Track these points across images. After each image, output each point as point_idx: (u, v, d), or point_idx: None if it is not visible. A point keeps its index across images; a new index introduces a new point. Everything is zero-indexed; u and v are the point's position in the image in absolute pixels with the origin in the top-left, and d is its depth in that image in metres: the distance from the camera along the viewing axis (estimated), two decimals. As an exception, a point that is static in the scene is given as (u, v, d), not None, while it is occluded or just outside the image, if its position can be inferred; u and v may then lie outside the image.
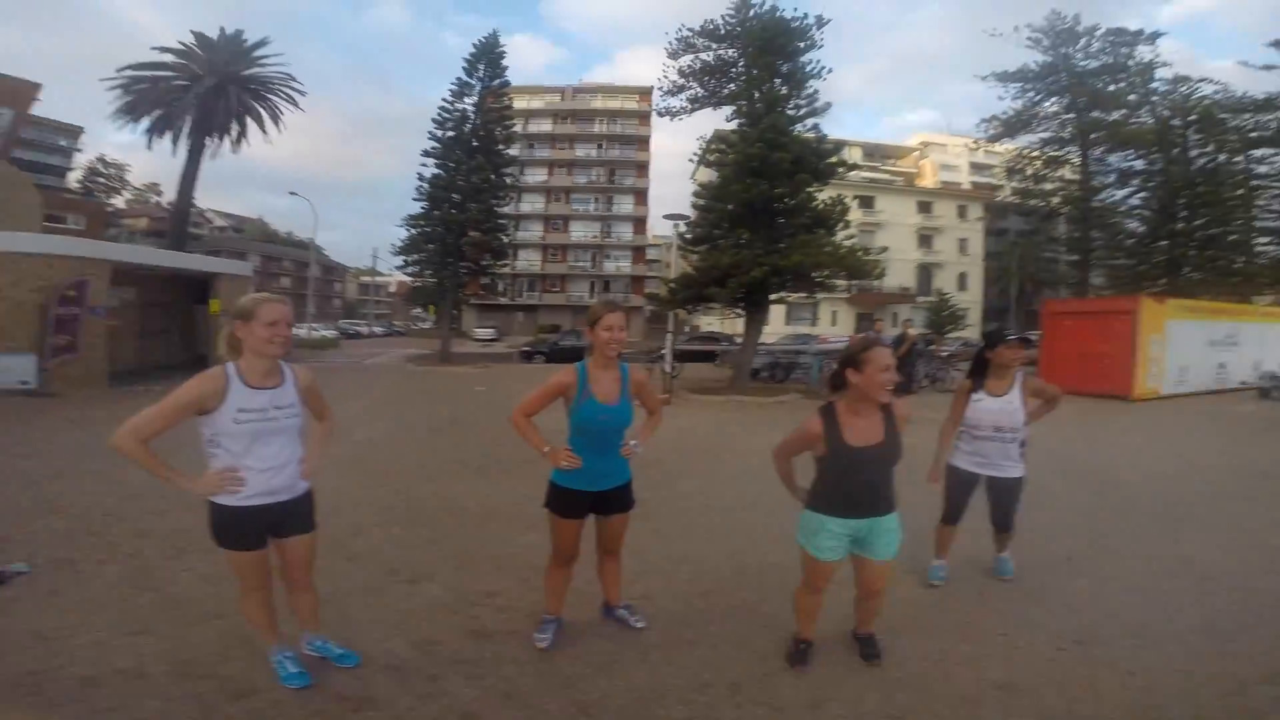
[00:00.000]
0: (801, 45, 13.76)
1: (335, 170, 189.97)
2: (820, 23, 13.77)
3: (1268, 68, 12.98)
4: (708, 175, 16.55)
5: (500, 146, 22.53)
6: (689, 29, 14.77)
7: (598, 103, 52.12)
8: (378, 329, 54.46)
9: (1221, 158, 25.68)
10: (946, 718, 2.26)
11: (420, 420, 9.07)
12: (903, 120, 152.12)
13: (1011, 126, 31.08)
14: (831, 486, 2.42)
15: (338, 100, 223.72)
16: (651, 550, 3.78)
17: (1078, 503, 5.09)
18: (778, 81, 13.89)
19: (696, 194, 15.13)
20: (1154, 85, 27.93)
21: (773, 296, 13.60)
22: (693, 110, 15.63)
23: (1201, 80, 26.70)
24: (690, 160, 17.22)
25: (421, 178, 21.62)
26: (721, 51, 14.77)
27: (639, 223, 51.12)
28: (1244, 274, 24.32)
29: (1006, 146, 32.96)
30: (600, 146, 51.09)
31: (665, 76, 15.42)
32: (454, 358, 21.25)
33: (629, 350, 3.47)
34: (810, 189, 13.42)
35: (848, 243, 13.75)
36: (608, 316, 2.48)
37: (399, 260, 22.54)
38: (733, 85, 14.65)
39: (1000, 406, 3.16)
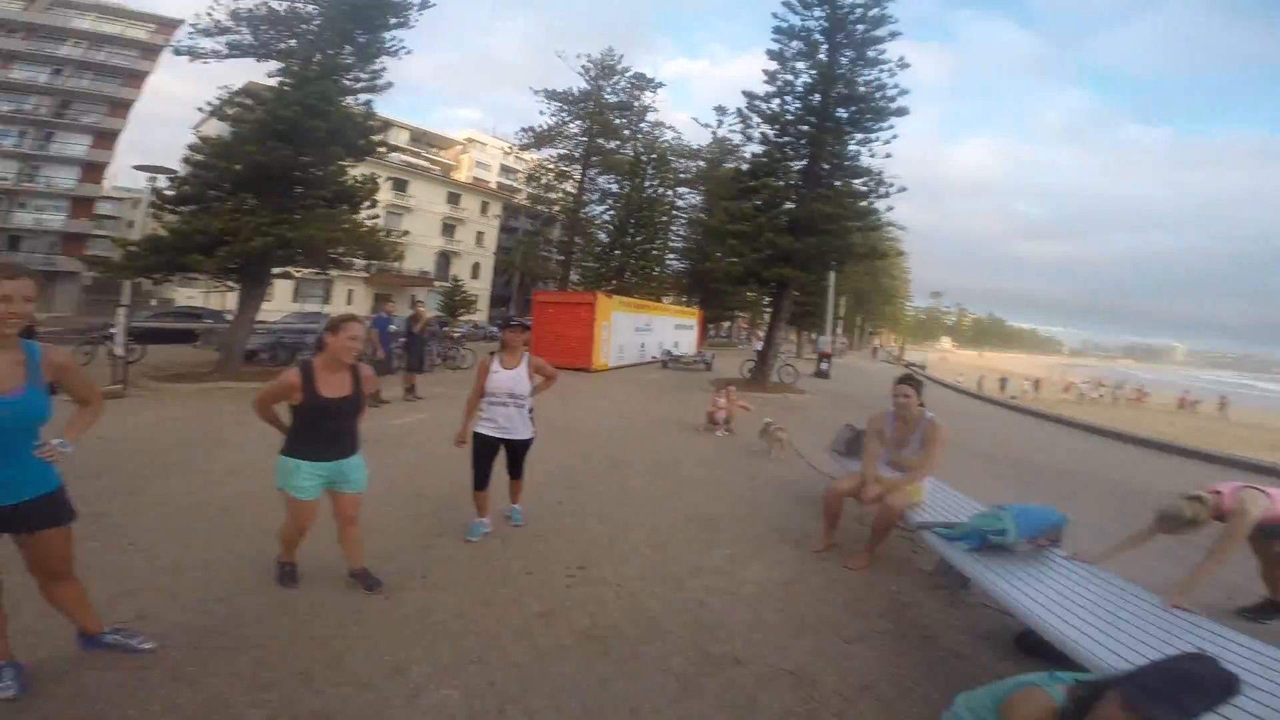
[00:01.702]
0: (393, 21, 12.83)
1: None
2: (425, 4, 13.05)
3: (705, 125, 19.43)
4: (222, 130, 13.53)
5: None
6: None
7: (85, 23, 36.33)
8: None
9: (661, 191, 36.47)
10: (510, 650, 2.75)
11: None
12: (455, 114, 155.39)
13: (541, 139, 36.75)
14: (305, 432, 2.88)
15: None
16: (132, 566, 3.25)
17: (558, 455, 6.55)
18: (348, 49, 12.64)
19: (194, 148, 12.16)
20: (642, 125, 37.38)
21: (276, 270, 12.21)
22: (226, 57, 12.57)
23: (669, 127, 37.43)
24: (200, 110, 13.70)
25: None
26: (300, 5, 12.44)
27: (92, 169, 37.12)
28: (658, 280, 35.45)
29: (533, 156, 38.56)
30: (59, 71, 35.72)
31: (210, 14, 12.12)
32: None
33: (56, 328, 2.80)
34: (342, 163, 12.66)
35: (370, 222, 13.47)
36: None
37: None
38: (294, 41, 12.44)
39: (512, 377, 3.93)
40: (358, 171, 13.35)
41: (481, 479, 4.02)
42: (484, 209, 48.48)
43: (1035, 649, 2.72)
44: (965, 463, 7.47)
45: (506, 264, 46.63)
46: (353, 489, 3.02)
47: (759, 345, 19.09)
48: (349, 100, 12.85)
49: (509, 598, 3.28)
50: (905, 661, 2.80)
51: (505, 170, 56.44)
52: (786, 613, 3.28)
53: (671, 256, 40.73)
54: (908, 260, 66.28)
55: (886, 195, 15.46)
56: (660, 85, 37.80)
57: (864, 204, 15.75)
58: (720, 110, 16.98)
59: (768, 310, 19.58)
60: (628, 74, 36.98)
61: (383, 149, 14.23)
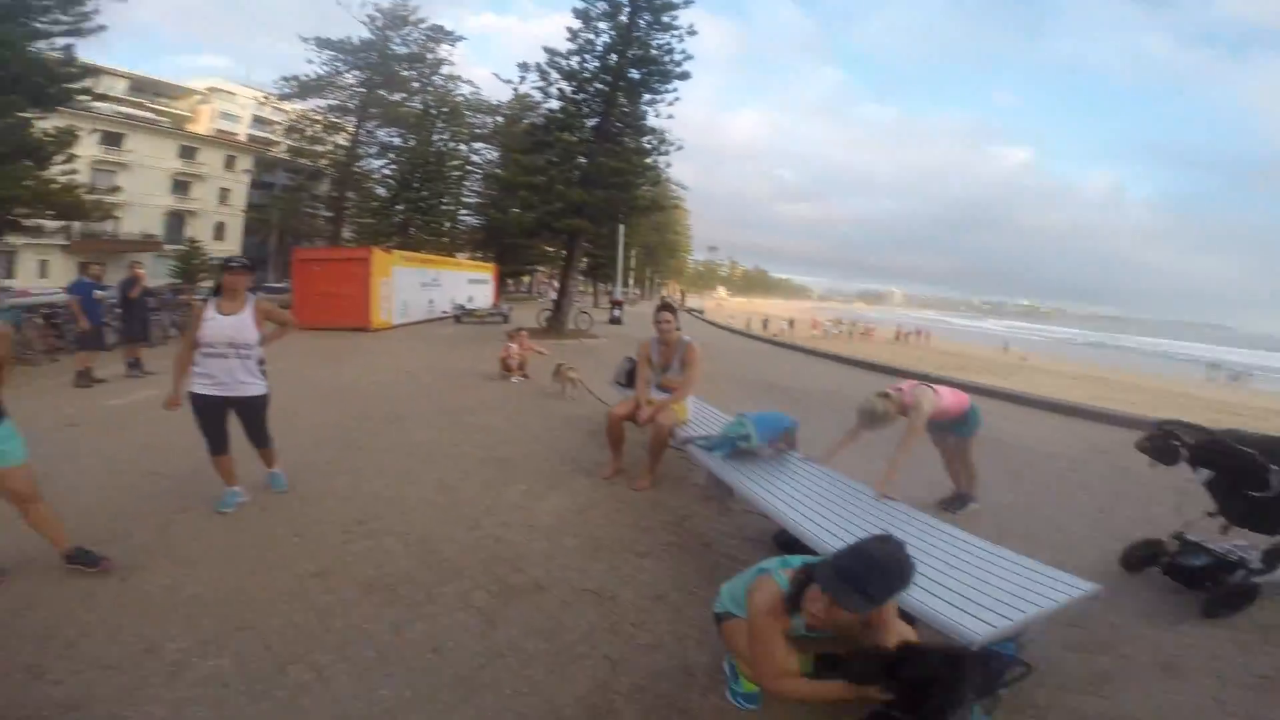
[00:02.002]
0: None
1: None
2: None
3: (506, 81, 18.18)
4: None
5: None
6: None
7: None
8: None
9: (452, 145, 33.68)
10: (285, 612, 2.55)
11: None
12: (199, 62, 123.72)
13: (308, 89, 31.10)
14: None
15: None
16: None
17: (329, 417, 6.07)
18: None
19: None
20: (435, 79, 33.55)
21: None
22: None
23: (466, 82, 34.17)
24: None
25: None
26: None
27: None
28: (450, 235, 33.27)
29: (296, 107, 32.65)
30: None
31: None
32: None
33: None
34: (25, 113, 10.26)
35: (65, 179, 10.93)
36: None
37: None
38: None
39: (233, 324, 3.44)
40: (51, 124, 11.25)
41: (216, 442, 3.54)
42: (230, 164, 41.14)
43: (789, 545, 2.98)
44: (730, 388, 8.58)
45: (262, 223, 39.86)
46: (6, 462, 2.62)
47: (555, 295, 19.35)
48: (40, 46, 10.65)
49: (276, 562, 3.03)
50: (689, 569, 3.13)
51: (259, 122, 47.72)
52: (583, 537, 3.47)
53: (465, 212, 38.53)
54: (690, 217, 71.31)
55: (667, 153, 16.80)
56: (460, 39, 34.64)
57: (649, 161, 16.73)
58: (524, 67, 16.27)
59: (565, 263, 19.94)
60: (422, 25, 33.24)
61: (84, 97, 11.70)
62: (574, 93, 16.38)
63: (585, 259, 31.18)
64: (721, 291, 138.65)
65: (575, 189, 15.07)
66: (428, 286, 19.32)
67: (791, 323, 46.87)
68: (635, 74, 16.04)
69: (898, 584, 1.79)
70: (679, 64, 15.85)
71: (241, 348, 3.45)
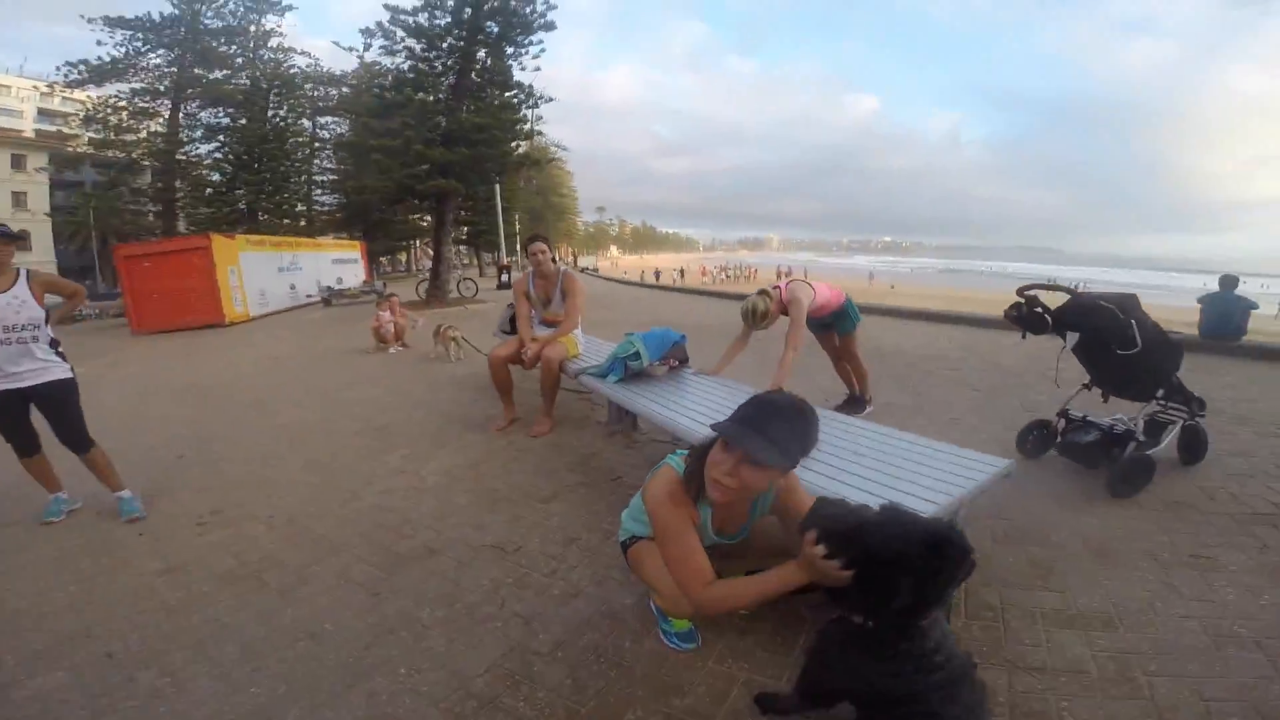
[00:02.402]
0: None
1: None
2: None
3: (349, 49, 16.25)
4: None
5: None
6: None
7: None
8: None
9: (292, 121, 29.98)
10: (129, 616, 2.21)
11: None
12: None
13: (102, 74, 25.87)
14: None
15: None
16: None
17: (181, 413, 5.34)
18: None
19: None
20: (262, 53, 29.14)
21: None
22: None
23: (303, 53, 30.10)
24: None
25: None
26: None
27: None
28: (306, 217, 30.15)
29: (92, 94, 27.27)
30: None
31: None
32: None
33: None
34: None
35: None
36: None
37: None
38: None
39: (3, 302, 2.81)
40: None
41: (21, 444, 2.96)
42: (18, 163, 34.74)
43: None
44: (626, 329, 8.40)
45: (76, 226, 33.89)
46: None
47: (429, 263, 18.26)
48: None
49: (115, 565, 2.60)
50: (600, 507, 2.92)
51: (47, 115, 40.04)
52: (477, 492, 3.20)
53: (321, 191, 34.95)
54: (574, 179, 69.73)
55: (537, 106, 16.07)
56: (289, 8, 30.40)
57: (517, 116, 16.00)
58: (367, 33, 14.74)
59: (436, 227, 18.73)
60: (241, -5, 28.70)
61: None
62: (424, 50, 15.25)
63: (465, 227, 29.59)
64: (614, 251, 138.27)
65: (436, 149, 14.06)
66: (286, 271, 17.44)
67: (683, 272, 48.25)
68: (494, 27, 15.11)
69: (803, 432, 1.53)
70: (543, 15, 15.12)
71: (20, 329, 2.82)
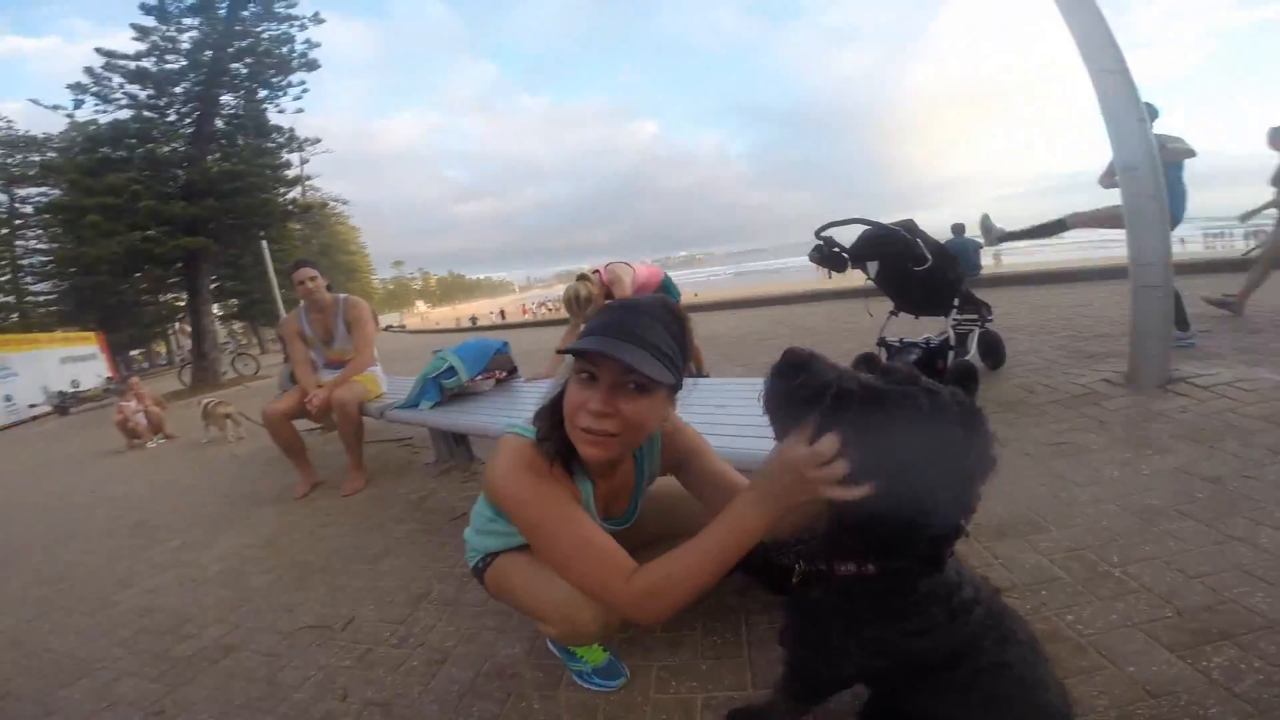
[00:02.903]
0: None
1: None
2: None
3: (54, 108, 12.90)
4: None
5: None
6: None
7: None
8: None
9: None
10: None
11: None
12: None
13: None
14: None
15: None
16: None
17: None
18: None
19: None
20: None
21: None
22: None
23: None
24: None
25: None
26: None
27: None
28: (20, 312, 24.01)
29: None
30: None
31: None
32: None
33: None
34: None
35: None
36: None
37: None
38: None
39: None
40: None
41: None
42: None
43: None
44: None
45: None
46: None
47: (189, 341, 15.57)
48: None
49: None
50: (447, 551, 2.37)
51: None
52: (279, 569, 2.48)
53: (33, 279, 27.86)
54: (362, 235, 64.67)
55: (301, 149, 14.92)
56: None
57: (277, 161, 14.55)
58: (78, 88, 12.14)
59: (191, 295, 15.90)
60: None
61: None
62: (151, 98, 13.22)
63: (234, 300, 25.66)
64: (421, 306, 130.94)
65: (176, 203, 11.98)
66: (-6, 381, 13.51)
67: (503, 314, 47.40)
68: (241, 69, 13.56)
69: (679, 333, 1.08)
70: (303, 55, 13.94)
71: None
